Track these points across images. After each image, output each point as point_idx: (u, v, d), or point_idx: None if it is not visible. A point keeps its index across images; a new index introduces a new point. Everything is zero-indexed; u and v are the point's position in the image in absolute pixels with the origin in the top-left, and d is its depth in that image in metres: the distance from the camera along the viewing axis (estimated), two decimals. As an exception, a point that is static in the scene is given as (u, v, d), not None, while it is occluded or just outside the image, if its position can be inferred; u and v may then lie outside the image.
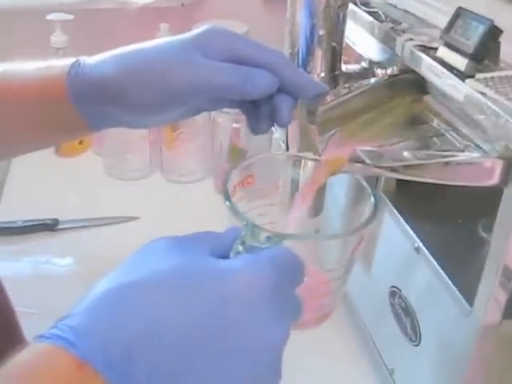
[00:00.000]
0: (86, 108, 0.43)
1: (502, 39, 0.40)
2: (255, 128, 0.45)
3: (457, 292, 0.41)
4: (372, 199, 0.42)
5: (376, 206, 0.41)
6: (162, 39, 0.43)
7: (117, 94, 0.42)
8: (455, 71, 0.40)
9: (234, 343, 0.30)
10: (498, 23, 0.40)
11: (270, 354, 0.31)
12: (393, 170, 0.40)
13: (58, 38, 0.84)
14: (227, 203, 0.40)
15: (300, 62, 0.51)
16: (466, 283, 0.41)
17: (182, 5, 0.92)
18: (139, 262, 0.32)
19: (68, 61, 0.44)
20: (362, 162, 0.40)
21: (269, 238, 0.36)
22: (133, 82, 0.41)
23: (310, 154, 0.49)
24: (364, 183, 0.43)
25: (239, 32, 0.88)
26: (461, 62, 0.40)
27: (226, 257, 0.34)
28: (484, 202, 0.41)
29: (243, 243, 0.35)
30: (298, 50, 0.50)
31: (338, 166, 0.42)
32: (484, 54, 0.40)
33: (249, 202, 0.47)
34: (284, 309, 0.32)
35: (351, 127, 0.47)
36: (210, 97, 0.43)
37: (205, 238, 0.35)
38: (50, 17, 0.83)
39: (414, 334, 0.47)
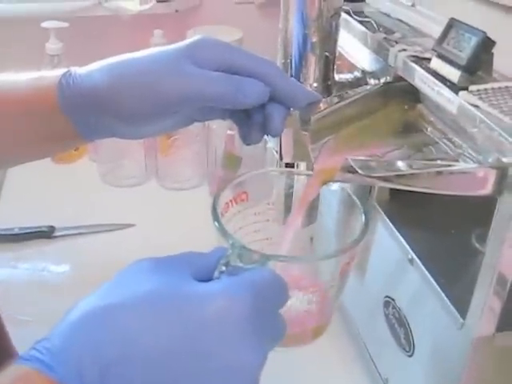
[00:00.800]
0: (78, 118, 0.43)
1: (496, 49, 0.40)
2: (247, 138, 0.45)
3: (450, 304, 0.41)
4: (362, 217, 0.42)
5: (366, 225, 0.41)
6: (155, 49, 0.43)
7: (109, 105, 0.42)
8: (448, 83, 0.40)
9: (208, 368, 0.30)
10: (493, 33, 0.40)
11: (246, 378, 0.31)
12: (385, 179, 0.40)
13: (53, 46, 0.84)
14: (215, 223, 0.40)
15: (293, 71, 0.51)
16: (460, 295, 0.41)
17: (176, 11, 0.92)
18: (120, 284, 0.32)
19: (59, 71, 0.44)
20: (354, 171, 0.40)
21: (255, 259, 0.36)
22: (125, 93, 0.41)
23: (303, 170, 0.49)
24: (355, 199, 0.43)
25: (234, 38, 0.89)
26: (454, 74, 0.40)
27: (209, 278, 0.34)
28: (479, 211, 0.41)
29: (227, 264, 0.35)
30: (290, 60, 0.50)
31: (330, 175, 0.42)
32: (477, 66, 0.39)
33: (243, 218, 0.47)
34: (263, 332, 0.32)
35: (344, 135, 0.47)
36: (202, 107, 0.43)
37: (187, 259, 0.35)
38: (44, 24, 0.83)
39: (407, 345, 0.47)
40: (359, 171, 0.37)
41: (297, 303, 0.41)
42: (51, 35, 0.84)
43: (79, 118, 0.43)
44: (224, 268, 0.35)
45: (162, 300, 0.31)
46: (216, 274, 0.34)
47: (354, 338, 0.58)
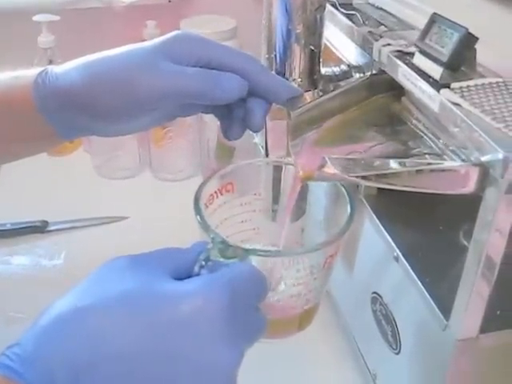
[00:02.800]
0: (54, 117, 0.43)
1: (483, 42, 0.39)
2: (228, 132, 0.45)
3: (434, 305, 0.40)
4: (348, 209, 0.41)
5: (351, 217, 0.41)
6: (131, 45, 0.42)
7: (84, 103, 0.42)
8: (431, 80, 0.39)
9: (181, 371, 0.30)
10: (479, 23, 0.39)
11: (221, 377, 0.31)
12: (365, 178, 0.39)
13: (45, 39, 0.83)
14: (197, 217, 0.39)
15: (278, 66, 0.50)
16: (444, 296, 0.40)
17: (169, 1, 0.91)
18: (93, 284, 0.32)
19: (36, 70, 0.44)
20: (333, 170, 0.39)
21: (235, 253, 0.36)
22: (100, 90, 0.41)
23: (290, 159, 0.48)
24: (343, 190, 0.43)
25: (228, 28, 0.88)
26: (436, 71, 0.39)
27: (188, 274, 0.34)
28: (468, 208, 0.40)
29: (207, 259, 0.35)
30: (275, 55, 0.49)
31: (309, 175, 0.41)
32: (459, 63, 0.38)
33: (230, 209, 0.46)
34: (240, 330, 0.32)
35: (327, 129, 0.46)
36: (181, 103, 0.42)
37: (166, 255, 0.34)
38: (36, 18, 0.82)
39: (394, 342, 0.47)
40: (337, 171, 0.37)
41: (281, 295, 0.41)
42: (43, 28, 0.83)
43: (56, 117, 0.43)
44: (204, 263, 0.34)
45: (134, 301, 0.31)
46: (196, 269, 0.34)
47: (345, 332, 0.58)
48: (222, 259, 0.35)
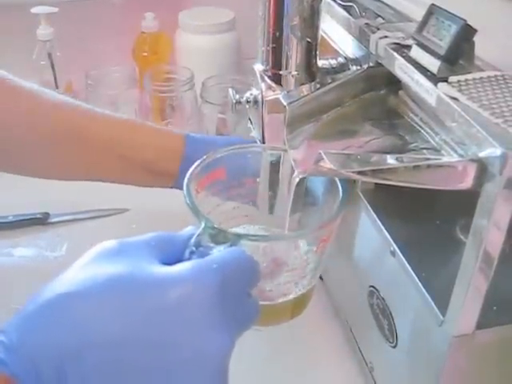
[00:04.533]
0: None
1: (481, 34, 0.38)
2: None
3: (430, 300, 0.40)
4: (340, 194, 0.41)
5: (342, 203, 0.40)
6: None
7: None
8: (428, 73, 0.39)
9: (171, 356, 0.29)
10: (478, 15, 0.38)
11: (211, 365, 0.30)
12: (361, 173, 0.39)
13: (43, 31, 0.83)
14: (187, 202, 0.39)
15: (274, 58, 0.49)
16: (441, 291, 0.40)
17: (168, -8, 0.90)
18: (79, 270, 0.31)
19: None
20: (328, 165, 0.39)
21: (226, 238, 0.35)
22: None
23: (280, 146, 0.48)
24: (336, 180, 0.42)
25: (226, 19, 0.87)
26: (433, 64, 0.38)
27: (178, 259, 0.33)
28: (465, 203, 0.39)
29: (198, 244, 0.34)
30: (272, 48, 0.49)
31: (305, 168, 0.41)
32: (457, 56, 0.38)
33: (221, 194, 0.46)
34: (231, 317, 0.31)
35: (324, 122, 0.46)
36: None
37: (154, 240, 0.34)
38: (34, 10, 0.82)
39: (391, 336, 0.46)
40: (333, 166, 0.36)
41: (274, 281, 0.41)
42: (42, 21, 0.82)
43: None
44: (194, 248, 0.34)
45: (122, 286, 0.30)
46: (186, 254, 0.34)
47: (342, 324, 0.58)
48: (212, 244, 0.34)
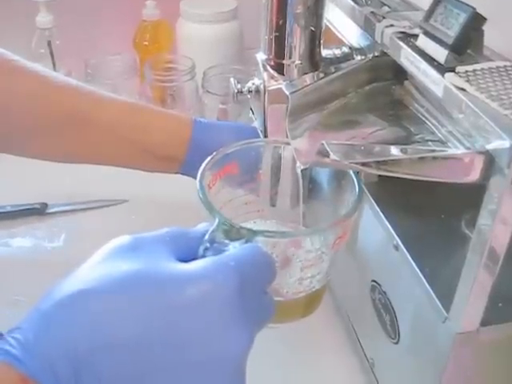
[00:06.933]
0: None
1: (491, 23, 0.37)
2: None
3: (434, 296, 0.39)
4: (356, 188, 0.40)
5: (359, 197, 0.39)
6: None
7: None
8: (435, 63, 0.37)
9: (190, 356, 0.29)
10: (488, 2, 0.37)
11: (231, 365, 0.30)
12: (364, 164, 0.38)
13: (43, 19, 0.82)
14: (201, 198, 0.38)
15: (277, 47, 0.48)
16: (445, 287, 0.39)
17: (170, -20, 0.88)
18: (95, 267, 0.30)
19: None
20: (329, 156, 0.38)
21: (241, 234, 0.34)
22: None
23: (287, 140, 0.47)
24: (349, 172, 0.41)
25: (229, 8, 0.86)
26: (441, 54, 0.37)
27: (193, 255, 0.32)
28: (471, 196, 0.38)
29: (212, 240, 0.34)
30: (274, 36, 0.48)
31: (307, 159, 0.40)
32: (465, 45, 0.37)
33: (234, 189, 0.45)
34: (249, 315, 0.30)
35: (327, 113, 0.45)
36: None
37: (170, 236, 0.33)
38: (34, -3, 0.80)
39: (393, 332, 0.46)
40: (335, 157, 0.35)
41: (289, 279, 0.40)
42: (41, 8, 0.81)
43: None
44: (209, 245, 0.33)
45: (137, 285, 0.29)
46: (201, 250, 0.33)
47: (343, 319, 0.58)
48: (227, 241, 0.34)
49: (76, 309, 0.28)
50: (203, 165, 0.41)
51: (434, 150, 0.37)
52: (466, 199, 0.40)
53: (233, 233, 0.34)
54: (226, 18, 0.88)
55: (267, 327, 0.34)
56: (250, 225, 0.46)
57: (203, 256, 0.33)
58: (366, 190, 0.48)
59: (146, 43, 0.91)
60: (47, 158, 0.64)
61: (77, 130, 0.59)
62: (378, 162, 0.36)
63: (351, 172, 0.41)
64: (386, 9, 0.45)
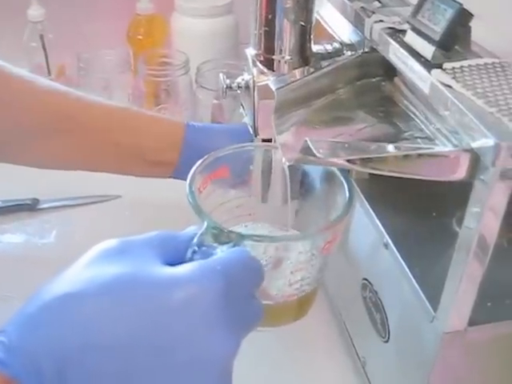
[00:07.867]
0: None
1: (478, 19, 0.36)
2: None
3: (422, 295, 0.39)
4: (346, 193, 0.40)
5: (350, 201, 0.39)
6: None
7: None
8: (422, 59, 0.37)
9: (176, 358, 0.29)
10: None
11: (216, 367, 0.30)
12: (350, 162, 0.37)
13: (35, 12, 0.81)
14: (190, 201, 0.38)
15: (266, 42, 0.48)
16: (433, 286, 0.38)
17: (164, -27, 0.88)
18: (81, 270, 0.30)
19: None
20: (314, 154, 0.37)
21: (229, 238, 0.34)
22: None
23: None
24: (339, 175, 0.41)
25: (224, 2, 0.85)
26: (428, 50, 0.37)
27: (181, 259, 0.32)
28: (462, 195, 0.38)
29: (201, 243, 0.33)
30: (264, 31, 0.47)
31: (291, 156, 0.39)
32: (452, 41, 0.36)
33: (225, 193, 0.45)
34: (236, 319, 0.30)
35: (315, 109, 0.44)
36: None
37: (157, 239, 0.33)
38: (25, -11, 0.80)
39: (383, 330, 0.45)
40: (319, 154, 0.35)
41: (278, 282, 0.40)
42: (33, 1, 0.80)
43: None
44: (197, 248, 0.33)
45: (124, 288, 0.29)
46: (189, 254, 0.33)
47: (335, 317, 0.57)
48: (215, 244, 0.33)
49: (61, 311, 0.28)
50: (193, 168, 0.41)
51: (420, 148, 0.36)
52: (458, 197, 0.39)
53: (221, 236, 0.34)
54: (221, 12, 0.87)
55: (258, 331, 0.34)
56: (241, 228, 0.46)
57: (191, 259, 0.33)
58: (356, 187, 0.47)
59: (140, 37, 0.90)
60: (37, 165, 0.63)
61: (66, 137, 0.58)
62: (363, 159, 0.36)
63: (341, 176, 0.41)
64: (376, 4, 0.44)
